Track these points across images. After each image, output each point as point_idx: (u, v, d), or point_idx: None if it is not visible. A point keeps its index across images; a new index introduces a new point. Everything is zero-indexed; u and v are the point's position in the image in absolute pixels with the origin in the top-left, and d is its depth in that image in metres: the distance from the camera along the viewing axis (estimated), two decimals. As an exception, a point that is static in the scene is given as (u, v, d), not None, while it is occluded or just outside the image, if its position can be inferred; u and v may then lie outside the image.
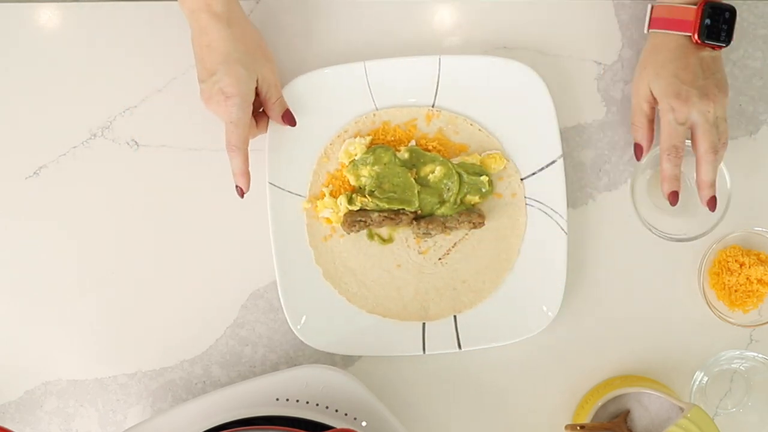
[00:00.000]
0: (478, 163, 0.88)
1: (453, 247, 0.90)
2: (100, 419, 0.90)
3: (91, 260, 0.90)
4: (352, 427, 0.79)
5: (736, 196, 0.88)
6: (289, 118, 0.85)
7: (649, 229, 0.88)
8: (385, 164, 0.87)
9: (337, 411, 0.82)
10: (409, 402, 0.91)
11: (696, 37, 0.82)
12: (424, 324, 0.89)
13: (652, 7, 0.85)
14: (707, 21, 0.82)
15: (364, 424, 0.81)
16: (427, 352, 0.88)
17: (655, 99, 0.84)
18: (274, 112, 0.85)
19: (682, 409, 0.81)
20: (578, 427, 0.85)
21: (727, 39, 0.83)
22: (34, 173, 0.90)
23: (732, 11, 0.83)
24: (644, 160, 0.87)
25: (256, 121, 0.86)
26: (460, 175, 0.87)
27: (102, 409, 0.90)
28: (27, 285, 0.90)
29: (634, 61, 0.92)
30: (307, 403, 0.82)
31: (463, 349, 0.88)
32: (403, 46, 0.90)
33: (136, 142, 0.90)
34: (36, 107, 0.90)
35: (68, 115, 0.90)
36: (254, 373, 0.91)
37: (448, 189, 0.87)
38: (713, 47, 0.83)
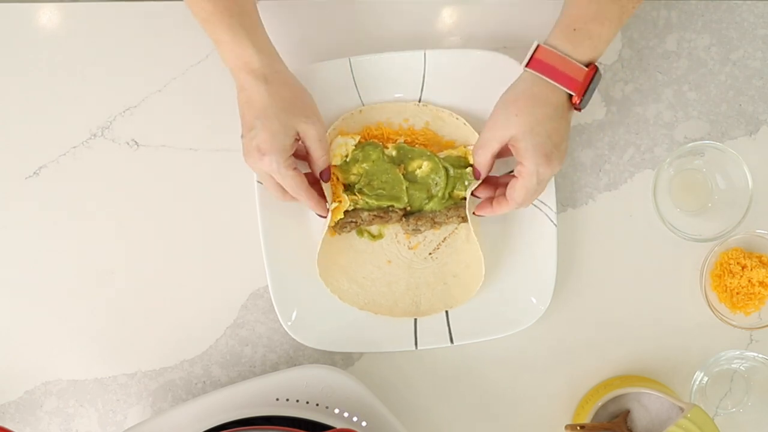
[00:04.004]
0: (464, 155, 0.88)
1: (443, 241, 0.89)
2: (100, 419, 0.90)
3: (91, 260, 0.90)
4: (352, 427, 0.79)
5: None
6: (326, 175, 0.84)
7: (670, 229, 0.88)
8: (373, 161, 0.86)
9: (337, 411, 0.82)
10: (409, 402, 0.91)
11: (577, 100, 0.79)
12: (415, 320, 0.89)
13: (538, 46, 0.80)
14: (591, 87, 0.80)
15: (364, 424, 0.81)
16: (419, 348, 0.88)
17: (508, 142, 0.80)
18: (316, 166, 0.83)
19: (682, 409, 0.81)
20: (578, 427, 0.85)
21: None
22: (34, 173, 0.90)
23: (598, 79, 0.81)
24: (667, 160, 0.87)
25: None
26: (446, 170, 0.87)
27: (102, 409, 0.90)
28: (27, 285, 0.90)
29: (634, 61, 0.91)
30: (307, 403, 0.82)
31: (455, 344, 0.88)
32: (395, 46, 0.90)
33: (136, 142, 0.90)
34: (36, 107, 0.90)
35: (68, 115, 0.90)
36: (254, 373, 0.91)
37: (436, 184, 0.87)
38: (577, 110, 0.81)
